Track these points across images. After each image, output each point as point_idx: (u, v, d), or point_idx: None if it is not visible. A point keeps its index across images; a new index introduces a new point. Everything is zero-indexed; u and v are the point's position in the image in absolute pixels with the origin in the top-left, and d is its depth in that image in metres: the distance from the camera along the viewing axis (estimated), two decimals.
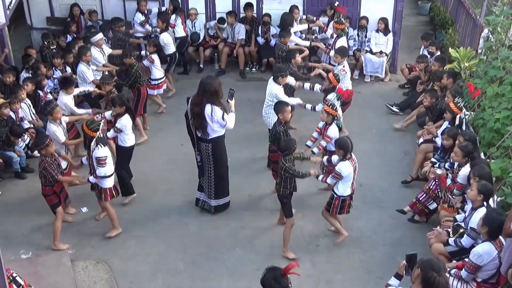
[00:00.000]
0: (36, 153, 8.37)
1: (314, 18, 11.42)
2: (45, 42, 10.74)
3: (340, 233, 7.00)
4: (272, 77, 8.27)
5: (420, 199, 7.20)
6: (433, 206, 7.13)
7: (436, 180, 7.11)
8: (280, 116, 7.26)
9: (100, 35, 10.06)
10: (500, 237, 5.46)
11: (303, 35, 11.29)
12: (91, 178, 6.96)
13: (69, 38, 11.34)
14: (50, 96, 9.48)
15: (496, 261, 5.43)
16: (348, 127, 9.08)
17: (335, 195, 6.73)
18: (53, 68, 9.98)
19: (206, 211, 7.65)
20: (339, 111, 7.93)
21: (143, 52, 10.48)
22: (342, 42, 9.98)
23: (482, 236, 5.65)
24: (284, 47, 9.57)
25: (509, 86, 7.76)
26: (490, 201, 6.17)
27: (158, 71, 10.00)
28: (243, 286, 6.47)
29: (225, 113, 7.01)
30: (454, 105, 7.78)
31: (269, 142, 7.67)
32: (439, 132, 7.83)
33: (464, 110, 8.07)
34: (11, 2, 9.70)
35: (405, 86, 11.15)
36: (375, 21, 11.34)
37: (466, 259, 5.64)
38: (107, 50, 10.21)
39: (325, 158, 7.21)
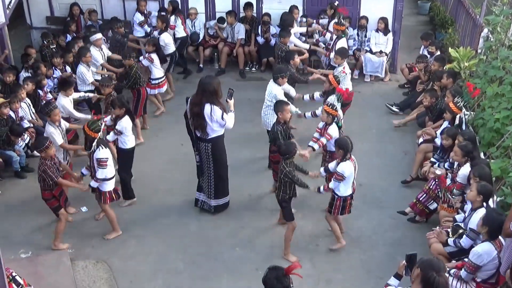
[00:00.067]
0: (36, 152, 8.36)
1: (314, 22, 11.41)
2: (45, 42, 10.72)
3: (338, 241, 6.94)
4: (272, 78, 8.25)
5: (420, 199, 7.20)
6: (433, 206, 7.13)
7: (436, 180, 7.12)
8: (280, 115, 7.22)
9: (99, 35, 10.05)
10: (500, 237, 5.46)
11: (303, 38, 11.28)
12: (92, 183, 6.90)
13: (69, 37, 11.34)
14: (50, 96, 9.47)
15: (496, 261, 5.43)
16: (348, 127, 9.06)
17: (336, 196, 6.70)
18: (53, 67, 9.96)
19: (206, 211, 7.65)
20: (340, 113, 7.90)
21: (141, 58, 10.32)
22: (342, 43, 9.97)
23: (482, 236, 5.66)
24: (283, 47, 9.55)
25: (509, 86, 7.76)
26: (490, 201, 6.17)
27: (158, 71, 9.96)
28: (243, 286, 6.47)
29: (224, 113, 7.01)
30: (453, 105, 7.77)
31: (269, 143, 7.66)
32: (439, 132, 7.83)
33: (463, 110, 8.07)
34: (10, 2, 9.71)
35: (405, 86, 11.16)
36: (375, 20, 11.33)
37: (466, 259, 5.65)
38: (106, 50, 10.19)
39: (322, 169, 7.05)
